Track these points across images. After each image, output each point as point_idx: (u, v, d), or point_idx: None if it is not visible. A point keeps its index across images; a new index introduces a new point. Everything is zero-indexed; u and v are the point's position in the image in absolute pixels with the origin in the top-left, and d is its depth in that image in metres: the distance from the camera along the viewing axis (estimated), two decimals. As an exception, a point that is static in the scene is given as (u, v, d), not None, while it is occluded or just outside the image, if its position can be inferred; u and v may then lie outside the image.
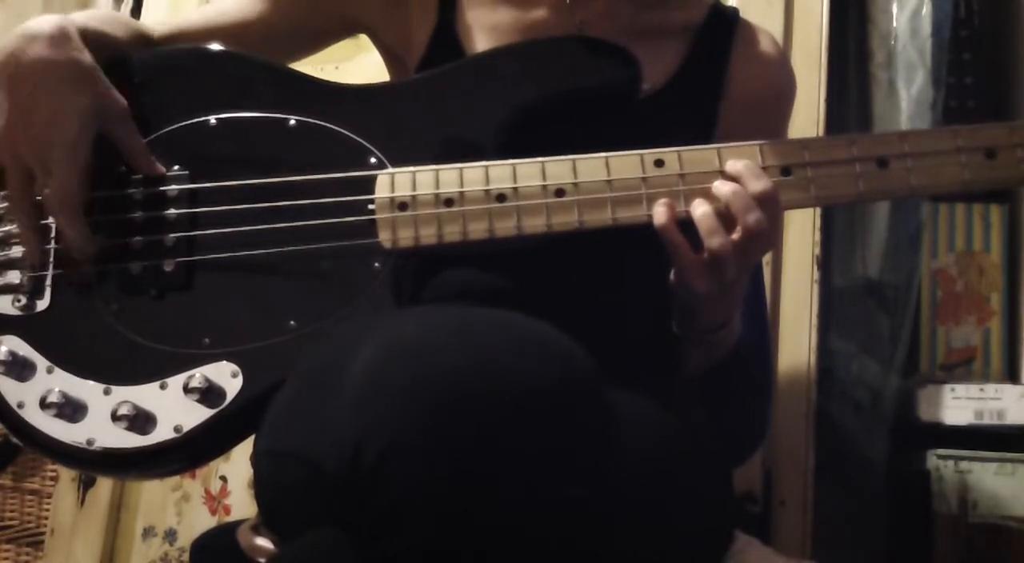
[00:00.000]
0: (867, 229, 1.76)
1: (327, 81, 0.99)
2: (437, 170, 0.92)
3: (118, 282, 0.93)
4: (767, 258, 1.49)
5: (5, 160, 0.93)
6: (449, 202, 0.91)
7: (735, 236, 0.89)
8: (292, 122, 0.96)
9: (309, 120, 0.96)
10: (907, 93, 1.74)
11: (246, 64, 1.01)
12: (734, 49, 1.10)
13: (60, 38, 0.92)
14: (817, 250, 1.53)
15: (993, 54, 1.87)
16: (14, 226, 0.95)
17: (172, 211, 0.94)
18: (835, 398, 1.71)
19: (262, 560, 0.90)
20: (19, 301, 0.93)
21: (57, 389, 0.89)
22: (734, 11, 1.14)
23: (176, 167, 0.95)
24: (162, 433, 0.87)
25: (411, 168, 0.92)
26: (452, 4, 1.07)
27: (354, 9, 1.10)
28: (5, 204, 0.96)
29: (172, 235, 0.93)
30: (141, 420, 0.87)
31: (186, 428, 0.87)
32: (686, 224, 0.90)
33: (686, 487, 0.89)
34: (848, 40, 1.82)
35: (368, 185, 0.93)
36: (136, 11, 1.94)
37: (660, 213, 0.90)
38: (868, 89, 1.79)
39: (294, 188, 0.93)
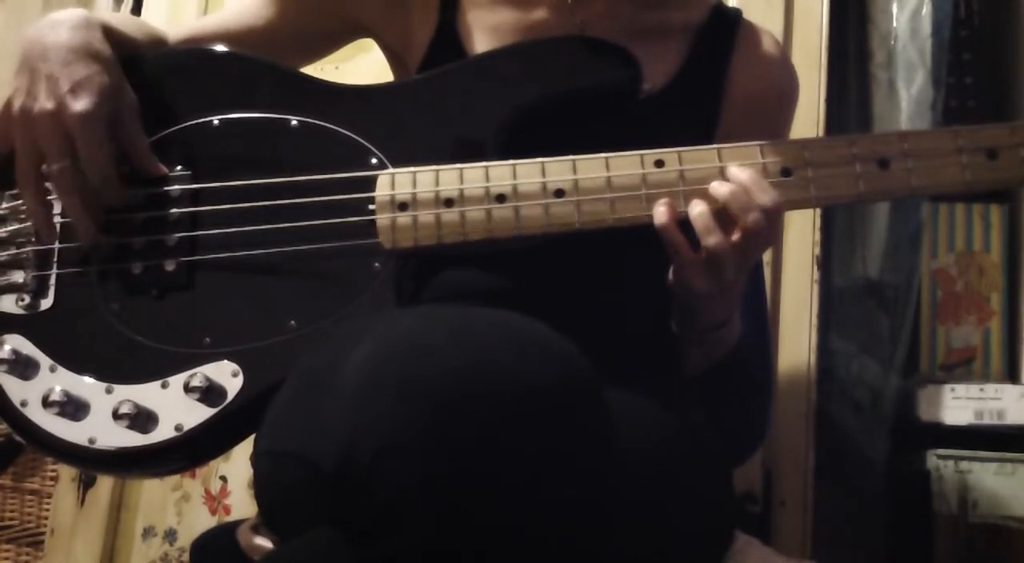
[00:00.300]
0: (867, 229, 1.76)
1: (328, 82, 1.00)
2: (437, 170, 0.92)
3: (120, 282, 0.93)
4: (767, 258, 1.49)
5: (17, 141, 0.93)
6: (449, 202, 0.91)
7: (735, 236, 0.89)
8: (294, 123, 0.97)
9: (311, 120, 0.96)
10: (907, 93, 1.74)
11: (248, 65, 1.01)
12: (736, 50, 1.10)
13: (84, 26, 0.95)
14: (817, 250, 1.53)
15: (993, 54, 1.87)
16: (17, 226, 0.96)
17: (174, 211, 0.94)
18: (835, 398, 1.71)
19: (262, 560, 0.90)
20: (23, 300, 0.94)
21: (59, 388, 0.89)
22: (736, 12, 1.14)
23: (179, 168, 0.96)
24: (163, 432, 0.88)
25: (412, 168, 0.92)
26: (453, 5, 1.07)
27: (355, 10, 1.10)
28: (9, 205, 0.97)
29: (174, 235, 0.93)
30: (142, 419, 0.88)
31: (187, 427, 0.87)
32: (686, 224, 0.91)
33: (686, 487, 0.89)
34: (848, 40, 1.82)
35: (369, 185, 0.93)
36: (136, 11, 1.94)
37: (661, 213, 0.90)
38: (868, 89, 1.79)
39: (295, 188, 0.93)
